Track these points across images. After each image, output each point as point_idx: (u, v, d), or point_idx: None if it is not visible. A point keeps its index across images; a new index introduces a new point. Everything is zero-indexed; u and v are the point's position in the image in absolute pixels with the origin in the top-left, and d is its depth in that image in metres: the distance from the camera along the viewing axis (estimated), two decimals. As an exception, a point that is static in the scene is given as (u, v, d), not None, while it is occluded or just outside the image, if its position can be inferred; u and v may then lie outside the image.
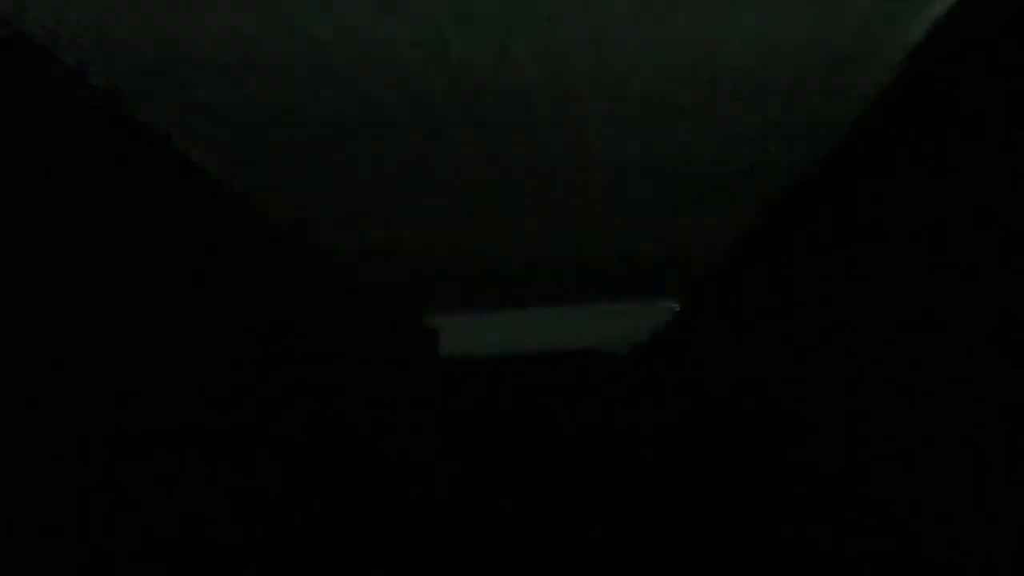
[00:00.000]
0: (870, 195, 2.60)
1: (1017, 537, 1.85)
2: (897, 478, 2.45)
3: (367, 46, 1.91)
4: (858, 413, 2.74)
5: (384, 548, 2.55)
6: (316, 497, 3.12)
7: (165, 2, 1.72)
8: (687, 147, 2.73)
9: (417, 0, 1.73)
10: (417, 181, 2.92)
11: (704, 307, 5.07)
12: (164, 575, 2.28)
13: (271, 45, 1.90)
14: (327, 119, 2.36)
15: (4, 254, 1.76)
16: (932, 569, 2.13)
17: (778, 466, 3.34)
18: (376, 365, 4.30)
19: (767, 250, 3.78)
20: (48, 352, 1.91)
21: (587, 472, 3.46)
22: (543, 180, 2.97)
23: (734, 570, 2.29)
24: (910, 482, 2.36)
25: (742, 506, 2.85)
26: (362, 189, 3.01)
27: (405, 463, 3.76)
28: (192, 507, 2.78)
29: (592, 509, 2.95)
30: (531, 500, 3.01)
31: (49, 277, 1.93)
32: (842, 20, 1.99)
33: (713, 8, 1.86)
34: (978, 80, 1.93)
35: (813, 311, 3.16)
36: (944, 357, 2.14)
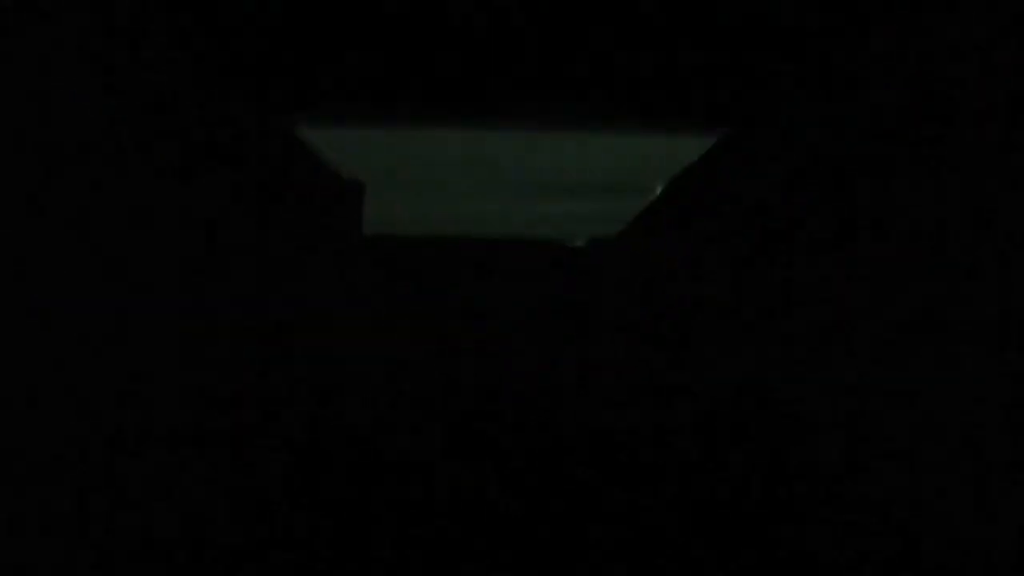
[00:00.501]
0: (870, 195, 2.60)
1: (1017, 537, 1.85)
2: (897, 478, 2.45)
3: None
4: (858, 413, 2.74)
5: (384, 548, 2.56)
6: (316, 497, 3.13)
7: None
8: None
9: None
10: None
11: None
12: (164, 575, 2.28)
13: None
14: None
15: (4, 254, 1.77)
16: (932, 569, 2.13)
17: (778, 466, 3.35)
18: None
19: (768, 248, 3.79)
20: (48, 352, 1.91)
21: (573, 462, 3.47)
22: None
23: (734, 570, 2.29)
24: (910, 482, 2.37)
25: (742, 506, 2.86)
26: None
27: (405, 462, 3.77)
28: (192, 507, 2.78)
29: (590, 507, 2.96)
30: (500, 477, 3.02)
31: (49, 277, 1.93)
32: None
33: None
34: (978, 80, 1.93)
35: (813, 311, 3.16)
36: (944, 357, 2.14)
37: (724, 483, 3.16)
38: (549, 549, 2.49)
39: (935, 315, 2.18)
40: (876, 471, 2.59)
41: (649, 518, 2.77)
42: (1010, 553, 1.87)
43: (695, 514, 2.78)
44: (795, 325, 3.35)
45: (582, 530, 2.66)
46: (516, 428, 4.86)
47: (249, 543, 2.54)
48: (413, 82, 4.01)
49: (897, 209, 2.40)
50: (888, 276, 2.48)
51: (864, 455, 2.69)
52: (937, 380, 2.18)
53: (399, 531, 2.70)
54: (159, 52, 2.51)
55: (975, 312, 1.97)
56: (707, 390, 4.86)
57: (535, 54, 3.52)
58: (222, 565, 2.32)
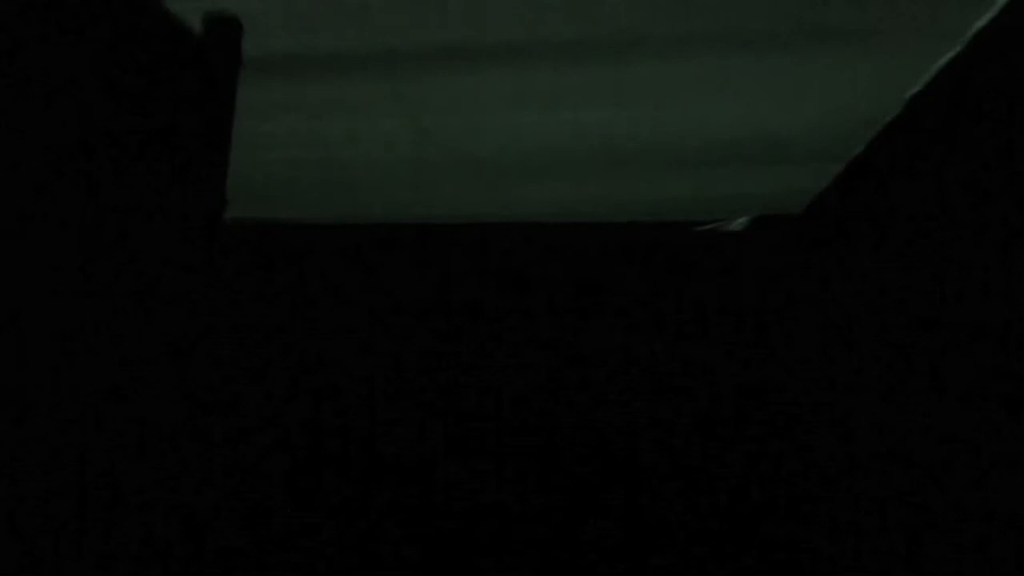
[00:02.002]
0: (873, 195, 2.60)
1: (1017, 537, 1.85)
2: (897, 478, 2.45)
3: None
4: (858, 413, 2.74)
5: (384, 548, 2.56)
6: (316, 497, 3.13)
7: None
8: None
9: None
10: None
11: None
12: (164, 575, 2.28)
13: None
14: None
15: (4, 254, 1.77)
16: (932, 569, 2.13)
17: (778, 466, 3.35)
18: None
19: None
20: (48, 352, 1.91)
21: (585, 467, 3.47)
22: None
23: (734, 570, 2.29)
24: (910, 482, 2.37)
25: (742, 506, 2.86)
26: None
27: (405, 462, 3.77)
28: (192, 507, 2.78)
29: (593, 507, 2.96)
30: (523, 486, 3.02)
31: (49, 277, 1.93)
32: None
33: None
34: (981, 83, 1.93)
35: (813, 311, 3.16)
36: (944, 357, 2.14)
37: (724, 483, 3.16)
38: (549, 549, 2.49)
39: (935, 315, 2.18)
40: (876, 471, 2.59)
41: (649, 518, 2.77)
42: (1010, 553, 1.87)
43: (695, 514, 2.78)
44: (795, 325, 3.35)
45: (582, 530, 2.66)
46: (516, 428, 4.86)
47: (249, 543, 2.54)
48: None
49: (897, 209, 2.40)
50: (888, 276, 2.48)
51: (864, 455, 2.69)
52: (937, 380, 2.18)
53: (399, 530, 2.70)
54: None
55: (975, 312, 1.97)
56: (707, 390, 4.86)
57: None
58: (222, 565, 2.32)
